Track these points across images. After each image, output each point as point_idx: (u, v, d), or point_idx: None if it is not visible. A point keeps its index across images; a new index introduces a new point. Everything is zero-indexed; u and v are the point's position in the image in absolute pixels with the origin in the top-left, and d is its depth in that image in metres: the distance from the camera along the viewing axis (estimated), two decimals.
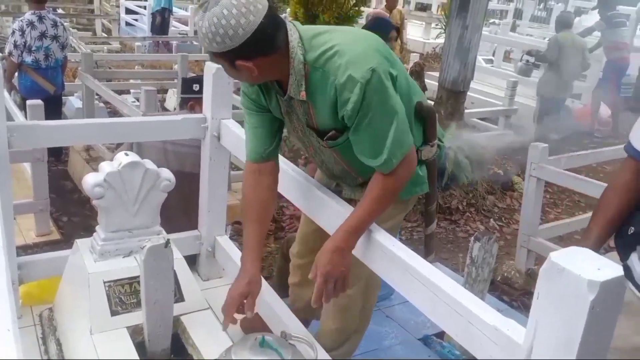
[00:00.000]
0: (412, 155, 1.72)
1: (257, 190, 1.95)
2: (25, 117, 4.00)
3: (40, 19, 5.20)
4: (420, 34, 14.44)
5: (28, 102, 3.95)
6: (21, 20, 5.22)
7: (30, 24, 5.14)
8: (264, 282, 2.29)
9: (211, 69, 2.41)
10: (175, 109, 5.36)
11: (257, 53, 1.57)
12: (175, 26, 13.78)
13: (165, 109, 7.34)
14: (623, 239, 1.68)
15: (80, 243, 2.20)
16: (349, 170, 1.95)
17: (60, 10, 13.97)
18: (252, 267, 1.91)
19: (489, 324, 1.23)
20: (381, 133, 1.64)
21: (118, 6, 14.77)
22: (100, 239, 2.09)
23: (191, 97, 3.00)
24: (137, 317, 1.98)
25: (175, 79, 7.03)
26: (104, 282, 2.02)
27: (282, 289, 3.12)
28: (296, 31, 1.65)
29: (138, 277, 1.91)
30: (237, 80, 1.86)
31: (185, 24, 13.83)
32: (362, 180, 1.98)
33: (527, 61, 8.01)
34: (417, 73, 5.57)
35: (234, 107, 2.60)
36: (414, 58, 7.92)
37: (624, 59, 8.10)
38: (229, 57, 1.58)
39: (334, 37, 1.65)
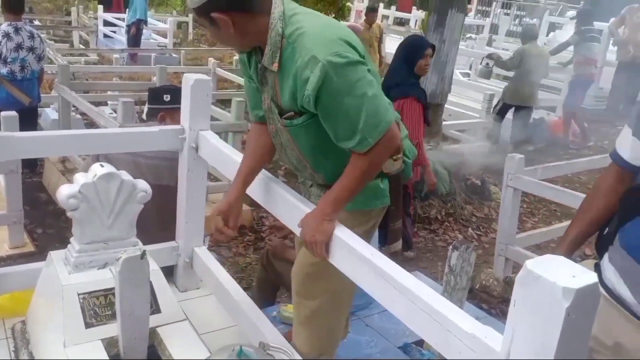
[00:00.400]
0: (391, 133, 1.70)
1: (254, 145, 2.06)
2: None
3: (17, 30, 5.13)
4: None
5: (2, 113, 3.85)
6: None
7: (6, 35, 5.06)
8: (242, 293, 2.32)
9: (189, 80, 2.41)
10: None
11: (231, 5, 1.63)
12: (154, 38, 13.73)
13: (143, 121, 7.27)
14: (601, 241, 1.73)
15: (54, 255, 2.16)
16: (302, 159, 1.95)
17: (37, 22, 13.83)
18: (235, 192, 2.00)
19: (466, 331, 1.23)
20: (351, 116, 1.64)
21: (96, 18, 14.68)
22: (75, 251, 2.05)
23: (161, 107, 2.98)
24: (112, 329, 1.94)
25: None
26: (78, 294, 1.98)
27: (261, 299, 3.11)
28: (281, 4, 1.70)
29: (113, 288, 1.88)
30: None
31: (164, 36, 13.79)
32: (322, 181, 2.01)
33: (487, 64, 8.15)
34: None
35: (213, 119, 2.60)
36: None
37: (591, 74, 8.26)
38: (206, 10, 1.63)
39: (310, 20, 1.69)
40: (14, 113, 3.82)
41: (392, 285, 1.45)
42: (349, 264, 1.67)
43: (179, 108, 2.95)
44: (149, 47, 12.40)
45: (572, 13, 16.22)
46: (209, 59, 9.75)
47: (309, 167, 1.98)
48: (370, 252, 1.58)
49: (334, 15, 9.76)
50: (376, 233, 2.16)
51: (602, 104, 9.93)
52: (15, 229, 4.08)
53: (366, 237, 2.02)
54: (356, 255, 1.61)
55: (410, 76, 4.03)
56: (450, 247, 2.76)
